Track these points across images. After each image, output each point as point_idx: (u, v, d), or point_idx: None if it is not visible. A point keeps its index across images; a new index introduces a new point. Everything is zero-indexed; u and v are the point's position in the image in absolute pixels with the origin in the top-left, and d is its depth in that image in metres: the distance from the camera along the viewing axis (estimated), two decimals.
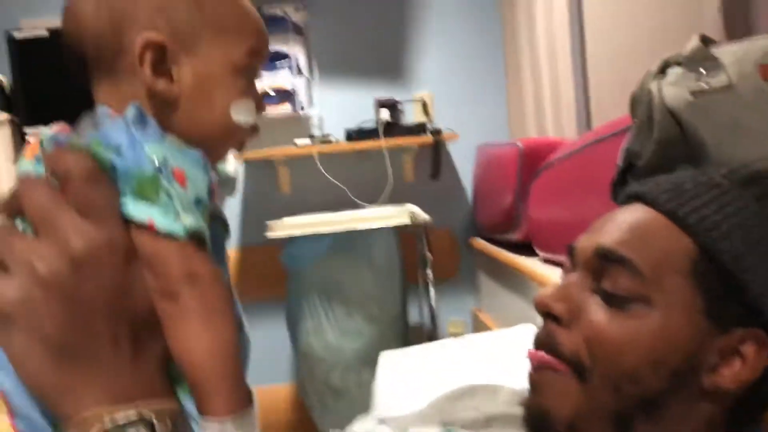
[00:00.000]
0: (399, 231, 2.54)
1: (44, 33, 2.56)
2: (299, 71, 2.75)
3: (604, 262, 0.62)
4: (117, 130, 0.46)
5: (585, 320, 0.61)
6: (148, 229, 0.45)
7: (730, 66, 0.83)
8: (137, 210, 0.44)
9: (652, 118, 0.86)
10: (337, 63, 2.85)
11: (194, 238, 0.46)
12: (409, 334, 2.60)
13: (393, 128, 2.64)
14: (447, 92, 2.89)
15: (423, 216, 2.26)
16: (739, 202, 0.61)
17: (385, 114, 2.69)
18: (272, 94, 2.71)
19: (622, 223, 0.64)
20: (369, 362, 2.26)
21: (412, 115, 2.86)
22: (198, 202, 0.46)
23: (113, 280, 0.44)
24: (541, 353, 0.63)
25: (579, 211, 1.64)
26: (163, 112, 0.50)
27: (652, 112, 0.87)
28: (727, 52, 0.85)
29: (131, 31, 0.49)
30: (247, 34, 0.53)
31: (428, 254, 2.30)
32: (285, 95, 2.74)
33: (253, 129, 0.55)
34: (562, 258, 1.86)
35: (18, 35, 2.56)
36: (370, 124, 2.69)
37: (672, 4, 1.48)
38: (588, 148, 1.64)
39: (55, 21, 2.65)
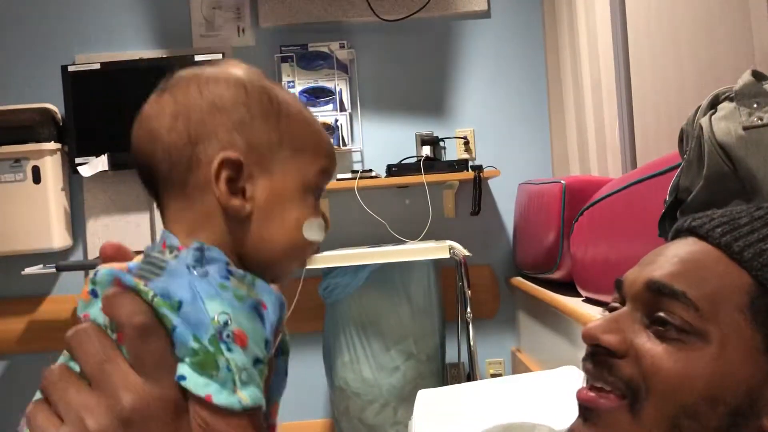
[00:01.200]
0: (438, 267, 2.52)
1: (97, 66, 2.65)
2: (342, 107, 2.78)
3: (655, 295, 0.60)
4: (179, 280, 0.45)
5: (639, 352, 0.59)
6: (205, 401, 0.44)
7: None
8: (195, 383, 0.44)
9: (702, 152, 0.84)
10: (380, 99, 2.88)
11: (250, 410, 0.45)
12: (447, 373, 2.55)
13: (434, 164, 2.64)
14: (489, 129, 2.89)
15: (463, 251, 2.24)
16: None
17: (426, 150, 2.70)
18: None
19: (673, 256, 0.62)
20: (405, 399, 2.22)
21: (453, 152, 2.87)
22: (257, 361, 0.46)
23: None
24: (592, 394, 0.60)
25: (624, 250, 1.60)
26: (235, 230, 0.49)
27: (702, 146, 0.85)
28: None
29: (208, 145, 0.49)
30: (320, 154, 0.53)
31: (467, 291, 2.27)
32: (328, 130, 2.78)
33: (317, 248, 0.54)
34: (605, 297, 1.82)
35: (72, 68, 2.66)
36: (411, 160, 2.70)
37: (721, 41, 1.46)
38: (633, 186, 1.61)
39: (109, 55, 2.75)
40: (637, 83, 1.99)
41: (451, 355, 2.64)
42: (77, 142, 2.64)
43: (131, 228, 2.81)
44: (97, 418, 0.43)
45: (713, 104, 0.86)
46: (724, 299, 0.58)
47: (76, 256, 2.83)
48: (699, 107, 0.90)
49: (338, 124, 2.78)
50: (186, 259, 0.46)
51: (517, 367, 2.72)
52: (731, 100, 0.84)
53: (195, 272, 0.46)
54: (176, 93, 0.51)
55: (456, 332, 2.60)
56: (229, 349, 0.44)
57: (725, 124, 0.82)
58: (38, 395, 0.47)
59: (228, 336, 0.44)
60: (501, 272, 2.90)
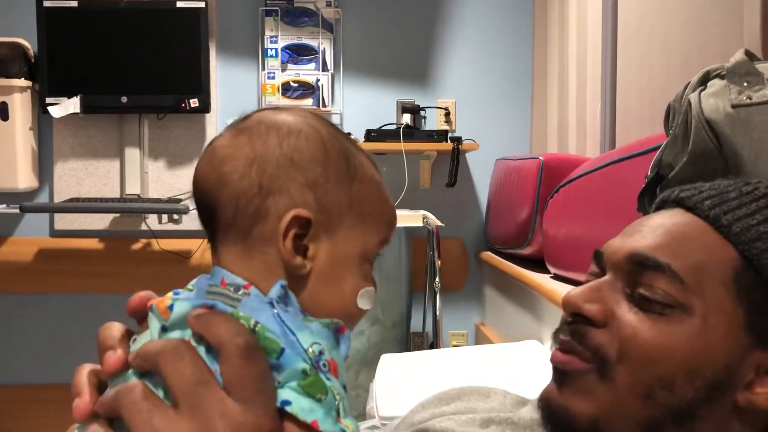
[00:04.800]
0: (410, 237, 2.51)
1: (74, 4, 2.56)
2: (325, 67, 2.74)
3: (638, 267, 0.59)
4: (263, 314, 0.44)
5: (619, 322, 0.58)
6: (308, 427, 0.42)
7: None
8: (301, 408, 0.42)
9: (689, 128, 0.84)
10: (363, 62, 2.84)
11: None
12: (410, 341, 2.56)
13: (414, 133, 2.62)
14: (470, 102, 2.88)
15: (436, 221, 2.23)
16: None
17: (407, 118, 2.67)
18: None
19: (658, 227, 0.61)
20: (367, 363, 2.23)
21: (434, 122, 2.85)
22: (344, 387, 0.45)
23: None
24: (567, 357, 0.60)
25: (596, 229, 1.61)
26: (293, 287, 0.48)
27: (688, 122, 0.84)
28: None
29: (279, 199, 0.47)
30: (384, 223, 0.52)
31: (437, 261, 2.27)
32: (308, 89, 2.73)
33: (364, 315, 0.53)
34: (574, 275, 1.82)
35: (48, 3, 2.57)
36: (391, 127, 2.67)
37: (711, 25, 1.46)
38: (610, 166, 1.61)
39: None
40: (623, 64, 1.99)
41: (415, 324, 2.65)
42: (49, 81, 2.56)
43: (100, 174, 2.75)
44: None
45: (704, 81, 0.86)
46: (708, 272, 0.57)
47: (42, 198, 2.76)
48: (688, 83, 0.89)
49: (319, 84, 2.74)
50: (270, 294, 0.45)
51: (480, 341, 2.74)
52: (722, 77, 0.84)
53: (277, 307, 0.45)
54: (254, 139, 0.48)
55: (422, 302, 2.61)
56: (328, 379, 0.43)
57: (714, 100, 0.82)
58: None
59: (324, 365, 0.43)
60: (471, 246, 2.91)
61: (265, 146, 0.48)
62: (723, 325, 0.56)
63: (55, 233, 2.78)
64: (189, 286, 0.48)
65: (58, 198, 2.72)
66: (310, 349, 0.43)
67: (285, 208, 0.47)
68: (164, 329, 0.45)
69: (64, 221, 2.76)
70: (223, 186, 0.48)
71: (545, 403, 0.62)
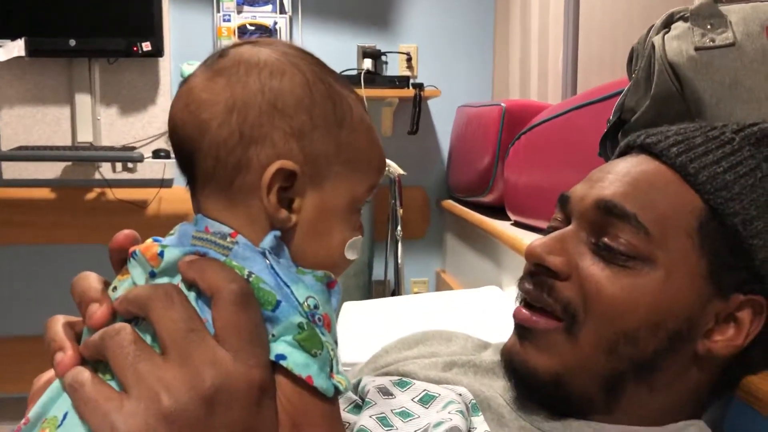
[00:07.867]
0: None
1: None
2: (282, 9, 2.65)
3: (604, 216, 0.58)
4: (256, 265, 0.42)
5: (582, 275, 0.57)
6: (302, 382, 0.41)
7: (737, 24, 0.80)
8: (296, 362, 0.40)
9: (652, 72, 0.83)
10: (323, 4, 2.75)
11: (337, 397, 0.43)
12: (372, 289, 2.58)
13: (375, 79, 2.57)
14: (433, 48, 2.83)
15: (398, 170, 2.22)
16: (752, 162, 0.58)
17: (368, 63, 2.62)
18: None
19: (625, 174, 0.60)
20: None
21: (395, 68, 2.80)
22: (335, 342, 0.44)
23: (243, 420, 0.39)
24: (529, 314, 0.59)
25: (557, 176, 1.61)
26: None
27: (651, 66, 0.83)
28: (735, 10, 0.82)
29: (261, 149, 0.44)
30: (373, 170, 0.50)
31: (399, 210, 2.26)
32: (265, 33, 2.65)
33: (350, 265, 0.51)
34: (534, 222, 1.83)
35: None
36: (351, 72, 2.62)
37: None
38: (571, 112, 1.61)
39: None
40: (586, 9, 1.97)
41: (377, 273, 2.66)
42: None
43: (50, 121, 2.64)
44: (176, 395, 0.37)
45: (667, 23, 0.85)
46: (674, 223, 0.56)
47: None
48: (652, 26, 0.88)
49: (277, 27, 2.65)
50: (262, 243, 0.43)
51: (441, 288, 2.77)
52: (686, 20, 0.83)
53: (270, 258, 0.43)
54: (233, 81, 0.45)
55: (384, 251, 2.62)
56: (323, 334, 0.42)
57: (677, 43, 0.80)
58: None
59: (319, 320, 0.42)
60: (433, 194, 2.91)
61: (245, 90, 0.45)
62: (686, 277, 0.56)
63: (3, 182, 2.69)
64: (171, 233, 0.46)
65: (6, 146, 2.61)
66: (306, 303, 0.42)
67: (268, 159, 0.44)
68: (152, 275, 0.43)
69: (13, 170, 2.67)
70: (202, 134, 0.45)
71: (507, 357, 0.62)
